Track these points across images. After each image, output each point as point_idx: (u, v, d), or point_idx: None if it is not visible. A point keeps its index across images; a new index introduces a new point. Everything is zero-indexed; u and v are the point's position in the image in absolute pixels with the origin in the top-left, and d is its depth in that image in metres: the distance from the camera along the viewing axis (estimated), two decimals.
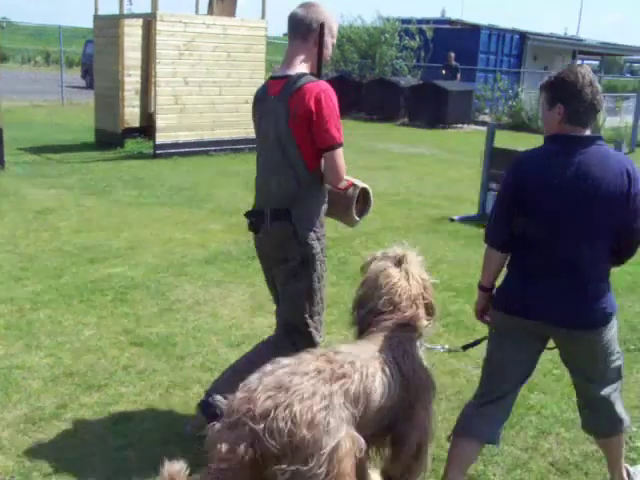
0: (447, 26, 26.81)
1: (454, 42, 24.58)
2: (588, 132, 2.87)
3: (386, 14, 24.51)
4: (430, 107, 19.94)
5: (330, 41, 3.47)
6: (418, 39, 23.33)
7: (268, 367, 2.57)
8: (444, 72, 22.08)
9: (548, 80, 2.99)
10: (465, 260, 6.82)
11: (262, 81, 12.87)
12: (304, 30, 3.39)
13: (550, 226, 2.82)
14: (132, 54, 12.65)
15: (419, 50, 23.59)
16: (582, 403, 3.12)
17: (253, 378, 2.52)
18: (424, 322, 3.12)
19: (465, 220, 8.47)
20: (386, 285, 3.08)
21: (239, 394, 2.47)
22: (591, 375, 3.00)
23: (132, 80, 12.81)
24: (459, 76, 22.28)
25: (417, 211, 8.88)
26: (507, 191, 2.92)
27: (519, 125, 21.54)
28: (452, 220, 8.42)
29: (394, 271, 3.14)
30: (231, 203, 8.72)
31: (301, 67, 3.37)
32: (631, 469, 3.30)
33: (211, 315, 5.19)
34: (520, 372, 3.06)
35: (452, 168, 12.64)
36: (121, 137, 12.71)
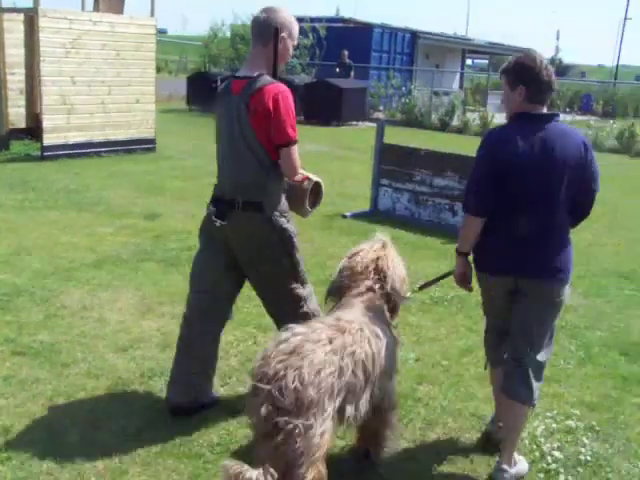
0: (340, 25, 27.05)
1: (347, 40, 24.85)
2: (545, 109, 3.32)
3: None
4: (325, 105, 20.07)
5: (290, 43, 3.70)
6: (312, 37, 23.42)
7: (283, 335, 2.86)
8: (338, 70, 22.29)
9: (508, 65, 3.37)
10: None
11: (153, 80, 12.82)
12: (264, 34, 3.63)
13: (526, 196, 3.24)
14: (14, 51, 12.11)
15: (313, 48, 23.70)
16: (510, 368, 3.42)
17: (270, 346, 2.83)
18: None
19: (357, 216, 8.57)
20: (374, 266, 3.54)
21: (257, 361, 2.82)
22: (535, 337, 3.38)
23: (16, 79, 12.30)
24: (353, 74, 22.54)
25: None
26: (486, 166, 3.29)
27: (412, 121, 22.03)
28: (345, 217, 8.51)
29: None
30: (121, 205, 8.54)
31: (261, 69, 3.61)
32: (516, 456, 3.43)
33: (98, 320, 5.05)
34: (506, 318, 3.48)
35: (346, 165, 12.78)
36: (6, 139, 12.22)
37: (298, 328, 2.91)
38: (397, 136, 8.89)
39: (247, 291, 4.00)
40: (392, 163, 8.81)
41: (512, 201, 3.26)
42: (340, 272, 3.58)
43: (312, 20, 24.93)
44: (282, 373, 2.66)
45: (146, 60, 12.58)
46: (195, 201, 8.17)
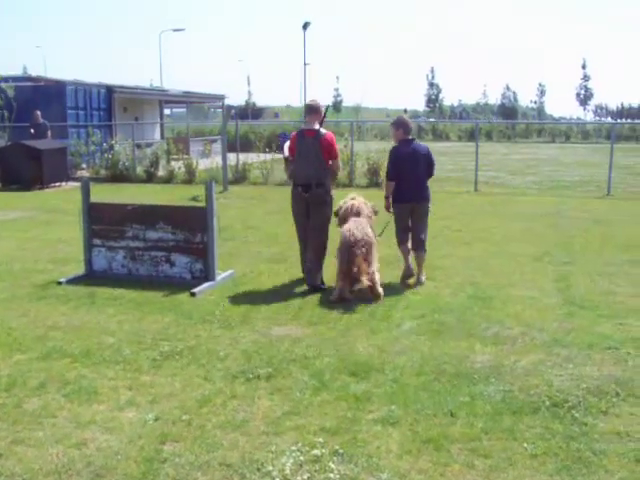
0: (30, 83, 25.95)
1: (40, 100, 23.90)
2: (411, 136, 8.43)
3: None
4: (24, 168, 19.09)
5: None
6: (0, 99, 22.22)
7: (351, 224, 7.60)
8: (33, 131, 21.35)
9: (395, 120, 8.54)
10: (79, 323, 6.62)
11: None
12: (317, 110, 8.17)
13: (408, 170, 8.16)
14: None
15: (2, 110, 22.46)
16: (413, 242, 8.27)
17: (348, 227, 7.54)
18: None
19: (73, 281, 8.22)
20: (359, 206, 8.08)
21: (347, 233, 7.41)
22: (420, 227, 8.31)
23: None
24: (49, 134, 21.70)
25: (22, 280, 8.38)
26: (393, 160, 8.25)
27: (117, 176, 21.76)
28: (60, 283, 8.11)
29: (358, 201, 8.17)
30: None
31: (317, 125, 8.09)
32: (423, 277, 8.20)
33: None
34: (408, 223, 8.32)
35: (55, 229, 12.24)
36: None
37: (351, 223, 7.61)
38: (104, 193, 8.72)
39: None
40: (102, 222, 8.60)
41: (404, 172, 8.15)
42: (343, 210, 8.05)
43: None
44: (361, 232, 7.39)
45: None
46: None
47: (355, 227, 7.41)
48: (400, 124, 8.35)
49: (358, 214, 7.84)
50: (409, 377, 5.20)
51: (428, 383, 5.09)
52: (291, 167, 8.21)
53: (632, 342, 5.96)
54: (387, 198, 8.25)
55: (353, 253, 7.18)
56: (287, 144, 8.36)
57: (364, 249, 7.21)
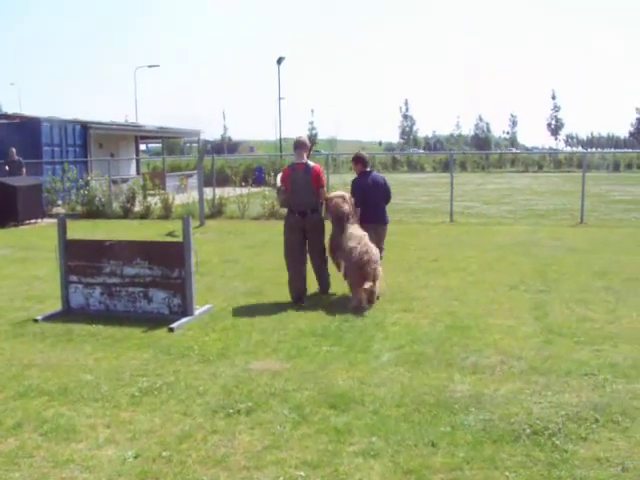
0: (4, 121, 25.90)
1: (15, 137, 23.87)
2: (368, 169, 9.79)
3: None
4: None
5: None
6: None
7: (355, 241, 8.66)
8: (8, 168, 21.26)
9: (354, 156, 9.86)
10: (56, 360, 6.55)
11: None
12: (305, 145, 9.36)
13: (368, 197, 9.37)
14: None
15: None
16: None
17: (353, 245, 8.61)
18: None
19: (50, 318, 8.14)
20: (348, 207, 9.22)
21: (357, 251, 8.50)
22: (381, 242, 9.52)
23: None
24: (24, 171, 21.64)
25: None
26: (356, 189, 9.46)
27: (94, 212, 21.72)
28: (36, 321, 8.03)
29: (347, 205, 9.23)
30: None
31: (306, 159, 9.26)
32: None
33: None
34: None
35: (31, 266, 12.15)
36: None
37: (355, 240, 8.69)
38: (80, 229, 8.71)
39: None
40: (79, 258, 8.57)
41: (366, 200, 9.28)
42: (335, 211, 9.13)
43: None
44: (369, 250, 8.54)
45: None
46: None
47: (361, 247, 8.56)
48: (359, 159, 9.75)
49: (348, 219, 9.11)
50: (389, 408, 5.20)
51: (408, 414, 5.09)
52: (283, 197, 9.39)
53: (609, 368, 6.01)
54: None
55: (366, 272, 8.45)
56: (280, 175, 9.56)
57: (374, 267, 8.52)
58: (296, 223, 9.08)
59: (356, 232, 8.87)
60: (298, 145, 9.35)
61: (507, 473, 4.15)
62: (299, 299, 8.93)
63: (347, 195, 9.40)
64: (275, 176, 10.78)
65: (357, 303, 8.43)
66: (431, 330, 7.38)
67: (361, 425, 4.89)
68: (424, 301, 8.74)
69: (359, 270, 8.48)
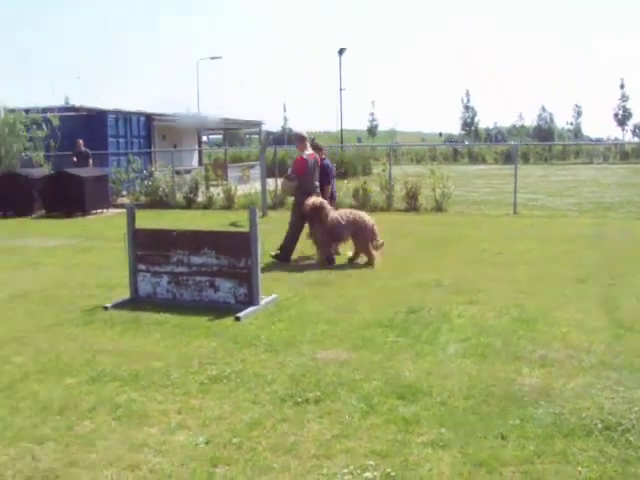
0: (72, 113, 26.48)
1: (82, 128, 24.43)
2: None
3: (10, 104, 23.42)
4: (67, 196, 19.52)
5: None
6: (45, 128, 22.65)
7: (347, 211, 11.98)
8: (75, 159, 21.76)
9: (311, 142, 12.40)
10: (126, 347, 6.70)
11: None
12: (306, 139, 11.90)
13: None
14: None
15: (47, 139, 22.90)
16: None
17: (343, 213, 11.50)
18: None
19: (119, 306, 8.33)
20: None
21: (367, 217, 11.32)
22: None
23: None
24: (91, 162, 22.11)
25: (69, 305, 8.53)
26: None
27: (157, 203, 22.05)
28: (106, 308, 8.22)
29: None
30: None
31: (310, 149, 11.84)
32: None
33: None
34: None
35: (99, 255, 12.44)
36: None
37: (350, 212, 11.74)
38: (145, 219, 8.84)
39: None
40: (147, 247, 8.73)
41: None
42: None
43: (44, 110, 24.16)
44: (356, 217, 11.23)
45: None
46: None
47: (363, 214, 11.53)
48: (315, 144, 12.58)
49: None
50: (457, 400, 5.17)
51: (477, 406, 5.06)
52: (294, 184, 11.71)
53: None
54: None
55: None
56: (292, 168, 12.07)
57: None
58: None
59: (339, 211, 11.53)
60: (303, 139, 11.88)
61: (579, 468, 4.09)
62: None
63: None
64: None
65: (377, 263, 10.80)
66: (497, 323, 7.31)
67: (429, 416, 4.88)
68: (489, 293, 8.65)
69: (373, 234, 10.98)
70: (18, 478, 4.15)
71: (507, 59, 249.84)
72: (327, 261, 11.01)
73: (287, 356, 6.28)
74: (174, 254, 8.50)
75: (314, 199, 11.10)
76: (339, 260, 11.31)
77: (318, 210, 10.96)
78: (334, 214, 11.12)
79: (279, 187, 21.41)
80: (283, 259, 11.36)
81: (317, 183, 11.83)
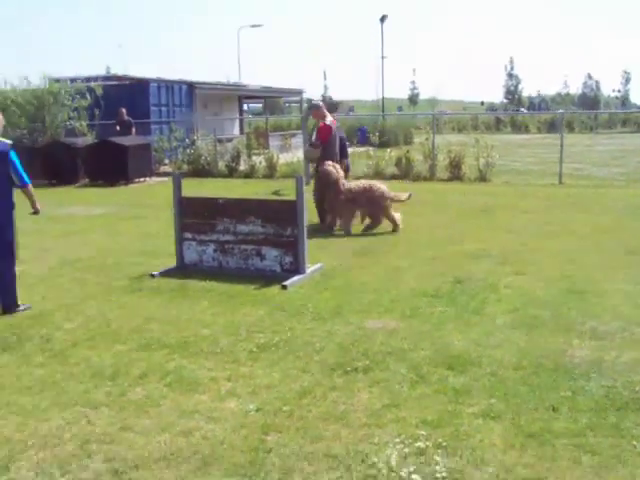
0: (115, 82, 26.63)
1: (125, 97, 24.50)
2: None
3: (54, 74, 23.57)
4: (110, 164, 19.66)
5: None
6: (89, 98, 22.81)
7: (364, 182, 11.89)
8: (118, 128, 21.90)
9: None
10: (174, 314, 6.77)
11: None
12: (320, 108, 12.17)
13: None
14: None
15: (91, 109, 23.06)
16: None
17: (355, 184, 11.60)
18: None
19: (166, 274, 8.40)
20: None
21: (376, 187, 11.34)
22: None
23: None
24: (134, 130, 22.23)
25: (116, 272, 8.63)
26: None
27: (199, 171, 22.12)
28: (153, 276, 8.30)
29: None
30: None
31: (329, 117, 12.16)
32: None
33: None
34: None
35: (143, 223, 12.55)
36: None
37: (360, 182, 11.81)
38: (187, 187, 8.82)
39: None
40: (192, 215, 8.77)
41: None
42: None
43: (87, 80, 24.30)
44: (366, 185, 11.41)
45: None
46: None
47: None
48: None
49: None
50: (507, 371, 5.13)
51: (527, 377, 5.01)
52: (318, 151, 11.81)
53: None
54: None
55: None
56: (316, 133, 12.18)
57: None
58: None
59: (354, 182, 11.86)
60: (321, 107, 12.20)
61: (634, 442, 4.03)
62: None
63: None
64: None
65: (400, 223, 11.04)
66: (546, 294, 7.21)
67: (479, 386, 4.86)
68: (537, 264, 8.54)
69: (386, 197, 11.11)
70: (75, 441, 4.23)
71: (552, 24, 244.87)
72: (328, 227, 11.38)
73: (335, 325, 6.29)
74: (220, 222, 8.53)
75: (329, 165, 11.30)
76: (373, 231, 11.27)
77: (332, 177, 11.19)
78: (347, 184, 11.40)
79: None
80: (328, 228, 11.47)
81: (337, 150, 12.05)
